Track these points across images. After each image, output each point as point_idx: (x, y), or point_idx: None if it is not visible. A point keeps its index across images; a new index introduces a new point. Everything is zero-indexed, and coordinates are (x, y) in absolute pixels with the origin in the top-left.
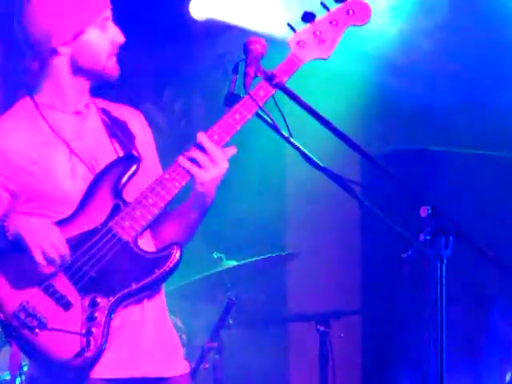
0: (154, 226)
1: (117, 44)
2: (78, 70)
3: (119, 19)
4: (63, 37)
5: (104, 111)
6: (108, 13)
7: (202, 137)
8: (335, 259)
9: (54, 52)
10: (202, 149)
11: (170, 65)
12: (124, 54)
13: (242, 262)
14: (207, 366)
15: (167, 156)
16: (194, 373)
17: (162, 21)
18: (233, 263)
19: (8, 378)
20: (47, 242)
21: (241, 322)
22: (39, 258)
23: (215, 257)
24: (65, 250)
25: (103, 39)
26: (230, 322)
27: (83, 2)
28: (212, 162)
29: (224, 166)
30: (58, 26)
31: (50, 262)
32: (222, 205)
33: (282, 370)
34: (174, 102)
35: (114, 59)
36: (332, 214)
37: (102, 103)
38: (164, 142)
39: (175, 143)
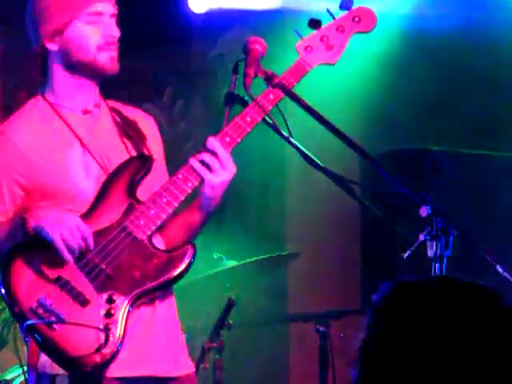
0: (160, 226)
1: (109, 37)
2: (69, 65)
3: (119, 19)
4: (47, 33)
5: (115, 111)
6: (100, 7)
7: (212, 141)
8: (335, 259)
9: (44, 49)
10: (213, 153)
11: (170, 65)
12: (124, 53)
13: (242, 262)
14: (207, 365)
15: (167, 156)
16: None
17: (162, 20)
18: (233, 263)
19: (8, 377)
20: (67, 229)
21: (241, 322)
22: (60, 245)
23: (215, 257)
24: (87, 236)
25: (91, 32)
26: (230, 322)
27: None
28: (222, 166)
29: (233, 170)
30: (42, 22)
31: (71, 249)
32: (222, 205)
33: (282, 370)
34: (174, 102)
35: (109, 54)
36: (332, 214)
37: (114, 104)
38: (164, 141)
39: (175, 143)
